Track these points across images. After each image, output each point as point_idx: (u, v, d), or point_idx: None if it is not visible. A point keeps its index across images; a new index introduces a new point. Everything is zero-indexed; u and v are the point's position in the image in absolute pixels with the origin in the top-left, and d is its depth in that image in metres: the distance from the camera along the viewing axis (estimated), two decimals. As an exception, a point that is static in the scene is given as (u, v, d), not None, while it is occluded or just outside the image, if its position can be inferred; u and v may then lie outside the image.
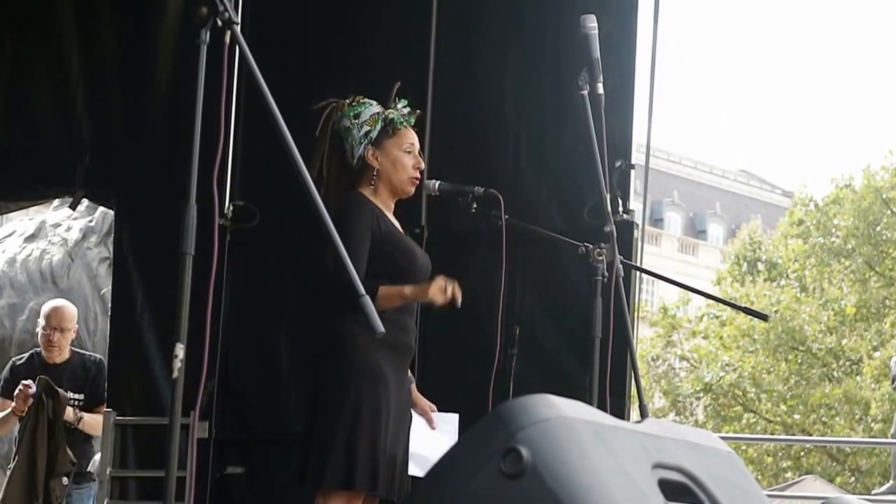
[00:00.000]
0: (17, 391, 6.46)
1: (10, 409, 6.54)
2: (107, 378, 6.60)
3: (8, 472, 6.42)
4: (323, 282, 4.22)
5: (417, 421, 4.46)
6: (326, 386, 4.14)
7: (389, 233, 4.27)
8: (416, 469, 4.29)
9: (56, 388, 6.38)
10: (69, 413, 6.53)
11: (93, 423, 6.60)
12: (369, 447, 4.05)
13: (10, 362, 6.97)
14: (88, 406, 6.69)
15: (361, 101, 4.37)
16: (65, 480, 6.30)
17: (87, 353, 7.18)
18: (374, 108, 4.37)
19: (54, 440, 6.30)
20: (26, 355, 6.97)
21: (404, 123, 4.36)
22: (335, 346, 4.15)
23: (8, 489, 6.35)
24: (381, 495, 4.14)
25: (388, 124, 4.34)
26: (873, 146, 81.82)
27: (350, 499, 4.09)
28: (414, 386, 4.53)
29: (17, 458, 6.37)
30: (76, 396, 6.73)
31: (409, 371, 4.51)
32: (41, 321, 6.84)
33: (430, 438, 4.48)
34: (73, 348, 6.89)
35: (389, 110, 4.37)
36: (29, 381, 6.44)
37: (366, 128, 4.32)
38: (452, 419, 4.60)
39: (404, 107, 4.39)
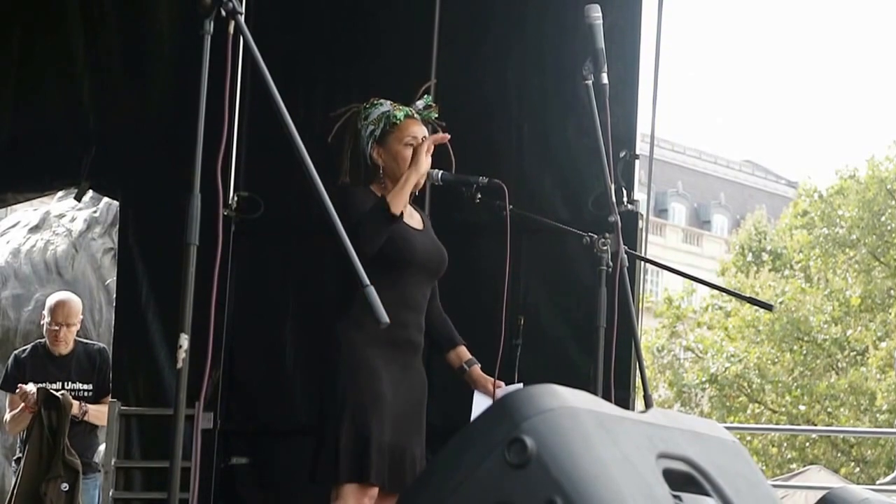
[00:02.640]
0: (19, 395, 6.50)
1: (21, 408, 6.58)
2: (111, 368, 6.61)
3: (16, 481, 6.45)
4: (327, 274, 4.24)
5: (480, 399, 4.47)
6: (325, 382, 4.20)
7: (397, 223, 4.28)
8: None
9: (56, 396, 6.38)
10: (74, 406, 6.53)
11: (99, 414, 6.61)
12: (354, 440, 4.07)
13: (13, 356, 6.96)
14: (97, 397, 6.70)
15: (375, 102, 4.44)
16: (64, 486, 6.30)
17: (89, 342, 7.18)
18: (384, 107, 4.41)
19: (53, 448, 6.30)
20: (29, 347, 6.96)
21: (400, 118, 4.37)
22: (331, 342, 4.19)
23: (9, 500, 6.38)
24: (374, 484, 4.14)
25: (388, 120, 4.36)
26: (878, 137, 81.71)
27: (362, 491, 4.10)
28: (476, 367, 4.54)
29: (19, 470, 6.40)
30: (85, 387, 6.74)
31: (469, 353, 4.51)
32: (46, 315, 6.82)
33: None
34: (76, 338, 6.89)
35: (397, 107, 4.40)
36: (29, 388, 6.46)
37: (371, 127, 4.38)
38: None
39: (423, 102, 4.44)
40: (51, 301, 6.89)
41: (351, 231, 4.12)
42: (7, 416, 6.87)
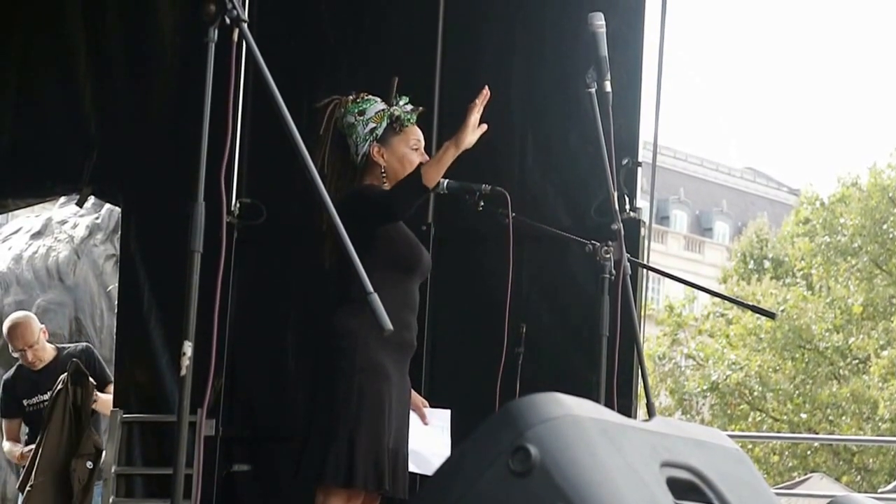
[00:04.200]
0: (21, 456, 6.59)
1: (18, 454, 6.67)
2: (112, 374, 6.61)
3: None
4: (326, 278, 4.22)
5: (410, 417, 4.47)
6: (328, 383, 4.13)
7: (399, 224, 4.28)
8: (411, 465, 4.30)
9: (85, 371, 6.42)
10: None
11: (107, 401, 6.63)
12: (371, 445, 4.05)
13: (2, 383, 6.96)
14: (98, 390, 6.72)
15: (366, 97, 4.36)
16: (89, 463, 6.35)
17: (69, 345, 7.18)
18: (379, 104, 4.36)
19: (78, 424, 6.37)
20: (13, 370, 6.94)
21: (411, 121, 4.35)
22: (337, 342, 4.13)
23: (29, 471, 6.42)
24: (386, 492, 4.13)
25: (395, 122, 4.33)
26: (879, 144, 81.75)
27: (350, 496, 4.09)
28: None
29: (40, 440, 6.43)
30: None
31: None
32: (7, 342, 6.82)
33: (423, 434, 4.50)
34: (56, 346, 6.89)
35: (395, 107, 4.36)
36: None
37: (371, 125, 4.31)
38: (444, 415, 4.62)
39: (406, 104, 4.39)
40: (5, 329, 6.84)
41: (380, 200, 4.14)
42: (6, 446, 6.91)
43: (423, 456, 4.41)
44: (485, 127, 4.10)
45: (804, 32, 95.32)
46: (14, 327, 6.76)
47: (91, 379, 6.51)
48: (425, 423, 4.54)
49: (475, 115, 4.07)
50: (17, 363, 6.94)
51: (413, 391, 4.51)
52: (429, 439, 4.51)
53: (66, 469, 6.35)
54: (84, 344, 7.17)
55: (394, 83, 4.39)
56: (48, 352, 6.78)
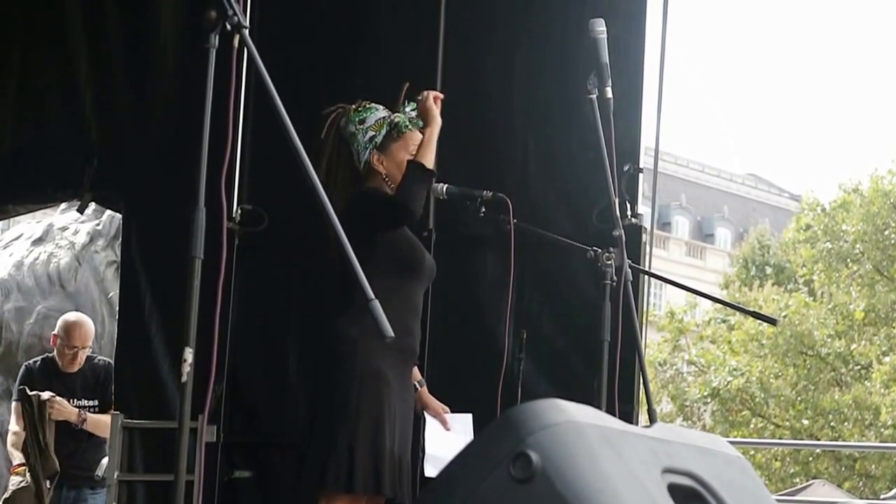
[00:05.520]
0: None
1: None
2: (114, 381, 6.61)
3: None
4: (327, 284, 4.22)
5: (432, 422, 4.47)
6: (328, 388, 4.14)
7: (402, 229, 4.29)
8: (433, 470, 4.30)
9: (30, 395, 6.45)
10: (72, 415, 6.58)
11: (99, 423, 6.62)
12: (371, 451, 4.06)
13: (25, 367, 6.97)
14: (102, 410, 6.72)
15: (367, 105, 4.38)
16: (47, 483, 6.36)
17: (94, 356, 7.18)
18: (380, 112, 4.37)
19: (35, 445, 6.40)
20: (40, 360, 6.97)
21: (409, 126, 4.36)
22: (337, 348, 4.14)
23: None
24: (387, 496, 4.14)
25: (393, 128, 4.34)
26: (881, 150, 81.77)
27: (352, 501, 4.10)
28: (425, 388, 4.54)
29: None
30: (89, 403, 6.79)
31: (420, 373, 4.52)
32: (61, 336, 6.81)
33: (445, 439, 4.50)
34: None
35: (396, 114, 4.37)
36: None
37: (370, 133, 4.33)
38: (466, 419, 4.62)
39: (412, 110, 4.40)
40: (66, 322, 6.86)
41: (388, 203, 4.17)
42: (10, 437, 6.92)
43: (444, 461, 4.41)
44: (440, 95, 4.39)
45: (806, 39, 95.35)
46: (80, 325, 6.83)
47: (39, 399, 6.53)
48: (447, 429, 4.54)
49: (429, 101, 4.34)
50: (45, 356, 6.97)
51: (433, 398, 4.52)
52: (450, 444, 4.51)
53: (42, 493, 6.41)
54: (108, 360, 7.18)
55: (403, 89, 4.42)
56: (83, 361, 6.85)
